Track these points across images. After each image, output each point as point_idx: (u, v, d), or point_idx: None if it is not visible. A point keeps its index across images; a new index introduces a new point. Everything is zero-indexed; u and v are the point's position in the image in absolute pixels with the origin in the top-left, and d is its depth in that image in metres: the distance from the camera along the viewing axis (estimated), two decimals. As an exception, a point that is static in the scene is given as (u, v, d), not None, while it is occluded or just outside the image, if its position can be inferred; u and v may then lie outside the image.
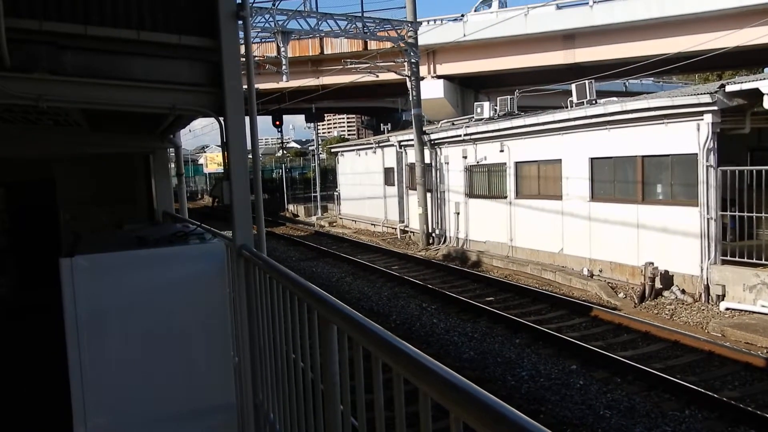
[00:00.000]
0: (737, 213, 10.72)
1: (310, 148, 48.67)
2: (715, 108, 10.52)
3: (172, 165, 10.24)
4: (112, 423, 3.51)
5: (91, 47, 3.60)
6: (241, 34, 3.92)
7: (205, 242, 3.84)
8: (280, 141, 49.56)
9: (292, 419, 2.74)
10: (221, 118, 3.81)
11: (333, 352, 1.99)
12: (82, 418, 3.37)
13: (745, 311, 10.11)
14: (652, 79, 37.27)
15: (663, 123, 11.74)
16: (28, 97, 3.53)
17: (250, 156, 4.09)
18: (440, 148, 19.80)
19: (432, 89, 28.27)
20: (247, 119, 3.85)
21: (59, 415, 3.55)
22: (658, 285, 11.46)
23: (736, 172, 10.59)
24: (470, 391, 1.11)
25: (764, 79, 10.23)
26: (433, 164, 19.99)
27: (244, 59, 3.96)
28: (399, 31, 19.82)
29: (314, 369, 2.32)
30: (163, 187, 8.60)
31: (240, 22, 3.77)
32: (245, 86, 3.88)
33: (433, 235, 20.09)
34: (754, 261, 10.32)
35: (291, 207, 35.49)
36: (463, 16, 27.04)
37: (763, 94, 9.84)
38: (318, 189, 32.33)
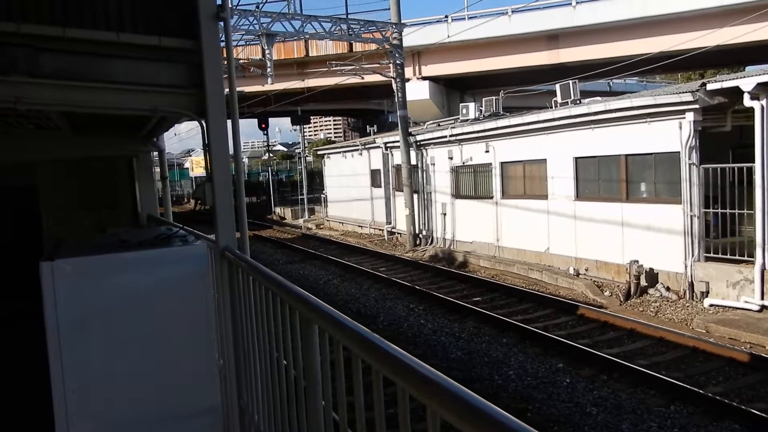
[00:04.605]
0: (720, 210, 10.83)
1: (297, 150, 48.54)
2: (697, 106, 10.63)
3: (157, 169, 10.17)
4: (95, 428, 3.47)
5: (70, 49, 3.56)
6: (223, 36, 3.90)
7: (188, 244, 3.81)
8: (266, 144, 49.36)
9: (277, 420, 2.73)
10: (203, 121, 3.78)
11: (315, 352, 1.99)
12: (64, 424, 3.34)
13: (729, 307, 10.23)
14: (636, 78, 37.63)
15: (646, 122, 11.84)
16: (6, 99, 3.48)
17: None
18: (426, 149, 19.84)
19: (417, 91, 28.31)
20: (229, 121, 3.83)
21: (42, 421, 3.51)
22: (643, 283, 11.56)
23: (718, 169, 10.69)
24: (445, 385, 1.11)
25: (744, 77, 10.34)
26: (420, 165, 20.02)
27: (226, 61, 3.94)
28: (384, 33, 19.85)
29: (297, 369, 2.32)
30: (147, 191, 8.51)
31: (221, 23, 3.75)
32: (227, 88, 3.86)
33: (420, 236, 20.12)
34: (737, 257, 10.44)
35: (278, 210, 35.35)
36: (447, 17, 27.10)
37: (743, 92, 9.94)
38: (305, 191, 32.24)
